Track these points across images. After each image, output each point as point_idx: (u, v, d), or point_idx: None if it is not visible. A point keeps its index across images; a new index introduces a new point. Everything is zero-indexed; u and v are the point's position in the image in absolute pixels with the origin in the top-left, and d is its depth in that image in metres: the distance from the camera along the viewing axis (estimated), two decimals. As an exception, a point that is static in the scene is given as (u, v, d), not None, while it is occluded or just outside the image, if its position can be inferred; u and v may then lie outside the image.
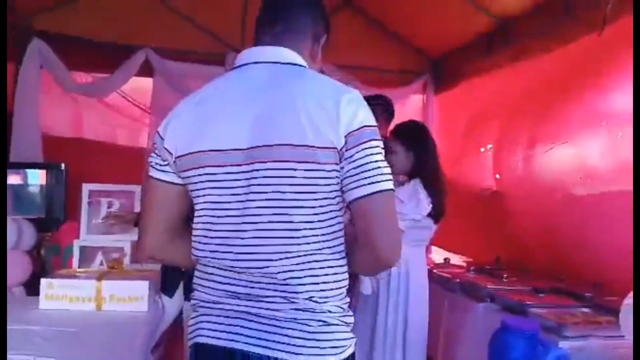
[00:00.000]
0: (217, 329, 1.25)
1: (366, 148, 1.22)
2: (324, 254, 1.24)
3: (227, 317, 1.25)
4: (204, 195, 1.28)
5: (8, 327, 1.92)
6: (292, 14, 1.37)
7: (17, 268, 2.92)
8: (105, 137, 4.46)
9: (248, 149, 1.23)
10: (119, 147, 4.47)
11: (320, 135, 1.20)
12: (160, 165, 1.33)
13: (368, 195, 1.21)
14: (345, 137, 1.21)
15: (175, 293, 2.84)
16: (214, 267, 1.28)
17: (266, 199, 1.22)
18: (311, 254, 1.22)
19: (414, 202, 2.61)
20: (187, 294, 2.85)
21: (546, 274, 3.20)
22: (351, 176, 1.22)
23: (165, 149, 1.30)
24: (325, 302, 1.22)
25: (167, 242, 1.38)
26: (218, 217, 1.26)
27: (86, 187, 3.24)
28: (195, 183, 1.28)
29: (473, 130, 4.42)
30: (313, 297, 1.21)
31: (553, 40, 3.35)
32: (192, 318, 1.32)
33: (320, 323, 1.22)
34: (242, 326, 1.22)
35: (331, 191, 1.24)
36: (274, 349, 1.19)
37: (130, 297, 2.29)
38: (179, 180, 1.33)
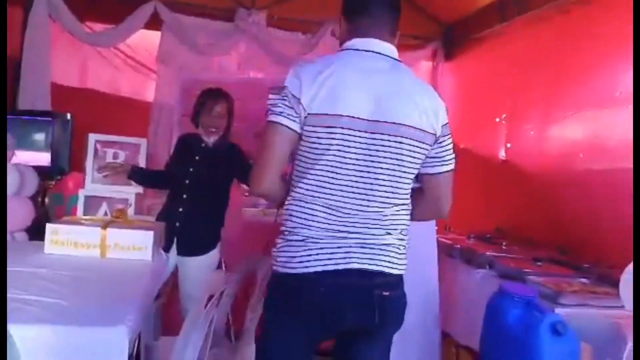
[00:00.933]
0: (334, 257, 1.61)
1: (449, 138, 1.73)
2: (408, 204, 1.72)
3: (341, 246, 1.61)
4: (330, 150, 1.59)
5: (15, 269, 1.97)
6: (394, 17, 1.74)
7: (20, 213, 2.94)
8: (112, 89, 4.45)
9: (375, 121, 1.60)
10: (125, 99, 4.46)
11: (428, 123, 1.66)
12: (293, 116, 1.59)
13: (445, 172, 1.74)
14: (441, 127, 1.69)
15: (170, 248, 2.89)
16: (325, 206, 1.61)
17: (387, 163, 1.63)
18: (404, 204, 1.70)
19: None
20: (180, 249, 2.90)
21: (546, 245, 3.21)
22: (437, 156, 1.72)
23: (302, 105, 1.58)
24: (406, 235, 1.72)
25: (278, 180, 1.66)
26: (342, 169, 1.60)
27: (92, 137, 3.25)
28: (325, 138, 1.59)
29: (481, 98, 4.40)
30: (402, 231, 1.70)
31: (568, 5, 3.32)
32: (306, 250, 1.61)
33: (403, 248, 1.70)
34: (358, 252, 1.62)
35: (420, 162, 1.70)
36: (382, 266, 1.64)
37: (135, 246, 2.32)
38: (300, 131, 1.61)
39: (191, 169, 2.95)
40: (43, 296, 1.71)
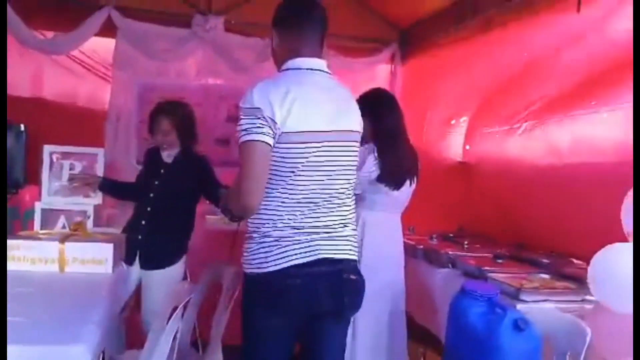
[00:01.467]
0: (305, 251, 1.82)
1: None
2: (353, 198, 2.01)
3: (310, 241, 1.83)
4: (302, 161, 1.81)
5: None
6: (323, 34, 1.96)
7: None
8: (66, 98, 4.33)
9: (334, 131, 1.87)
10: (79, 109, 4.34)
11: (360, 126, 2.00)
12: (271, 134, 1.76)
13: None
14: None
15: (134, 261, 2.84)
16: (297, 210, 1.83)
17: (346, 166, 1.92)
18: (353, 199, 2.00)
19: (362, 163, 2.65)
20: (142, 262, 2.85)
21: (507, 243, 3.28)
22: None
23: (277, 124, 1.76)
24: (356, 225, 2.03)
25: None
26: (313, 176, 1.83)
27: (47, 149, 3.17)
28: (298, 151, 1.80)
29: (439, 101, 4.46)
30: (354, 222, 1.99)
31: (522, 10, 3.39)
32: (279, 248, 1.81)
33: (356, 237, 1.98)
34: (325, 244, 1.86)
35: None
36: (345, 253, 1.90)
37: (95, 259, 2.27)
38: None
39: (156, 182, 2.92)
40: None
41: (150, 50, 4.25)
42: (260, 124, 1.75)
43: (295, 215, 1.82)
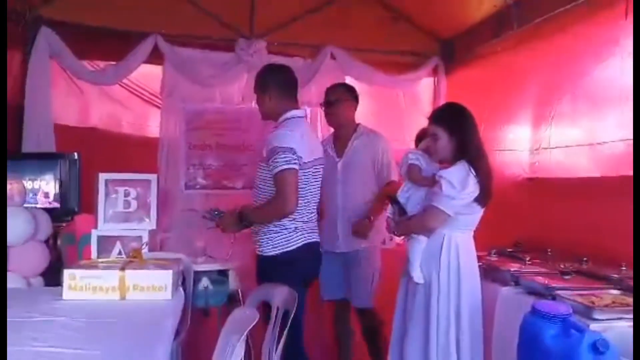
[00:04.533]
0: (310, 236, 2.89)
1: None
2: None
3: (311, 230, 2.91)
4: (311, 179, 2.86)
5: (33, 319, 1.92)
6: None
7: (36, 259, 2.90)
8: (116, 126, 4.41)
9: (320, 158, 2.97)
10: (130, 136, 4.42)
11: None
12: (297, 164, 2.71)
13: None
14: None
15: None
16: (307, 211, 2.86)
17: (319, 181, 2.98)
18: None
19: (465, 184, 2.54)
20: None
21: (567, 257, 3.14)
22: None
23: (301, 157, 2.73)
24: None
25: None
26: (314, 188, 2.91)
27: (102, 177, 3.18)
28: (309, 173, 2.84)
29: (487, 112, 4.36)
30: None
31: (566, 20, 3.31)
32: (297, 233, 2.82)
33: None
34: (315, 232, 2.96)
35: None
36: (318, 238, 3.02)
37: (154, 286, 2.27)
38: None
39: None
40: (62, 347, 1.65)
41: (196, 76, 4.30)
42: (292, 157, 2.68)
43: (305, 215, 2.84)
